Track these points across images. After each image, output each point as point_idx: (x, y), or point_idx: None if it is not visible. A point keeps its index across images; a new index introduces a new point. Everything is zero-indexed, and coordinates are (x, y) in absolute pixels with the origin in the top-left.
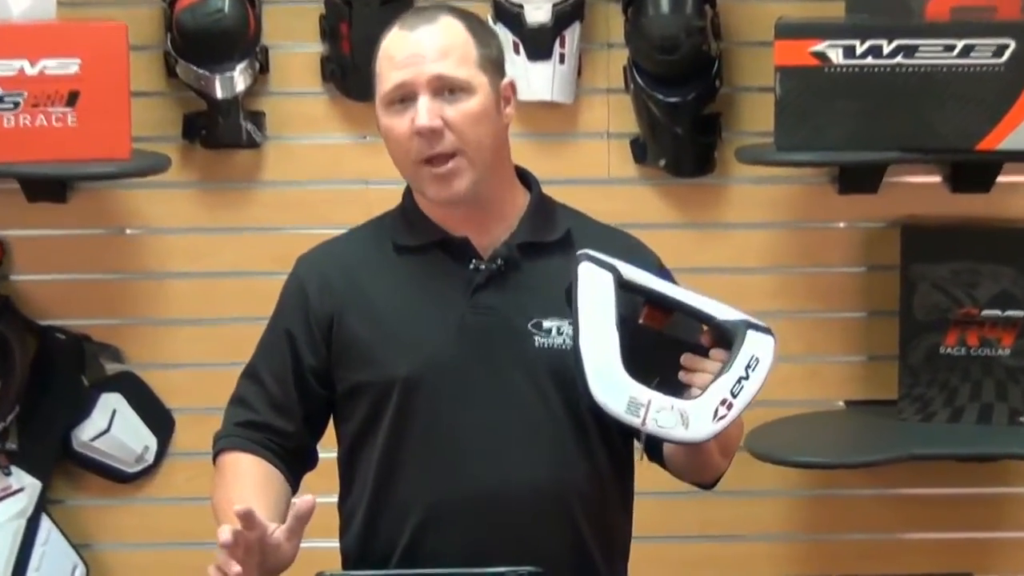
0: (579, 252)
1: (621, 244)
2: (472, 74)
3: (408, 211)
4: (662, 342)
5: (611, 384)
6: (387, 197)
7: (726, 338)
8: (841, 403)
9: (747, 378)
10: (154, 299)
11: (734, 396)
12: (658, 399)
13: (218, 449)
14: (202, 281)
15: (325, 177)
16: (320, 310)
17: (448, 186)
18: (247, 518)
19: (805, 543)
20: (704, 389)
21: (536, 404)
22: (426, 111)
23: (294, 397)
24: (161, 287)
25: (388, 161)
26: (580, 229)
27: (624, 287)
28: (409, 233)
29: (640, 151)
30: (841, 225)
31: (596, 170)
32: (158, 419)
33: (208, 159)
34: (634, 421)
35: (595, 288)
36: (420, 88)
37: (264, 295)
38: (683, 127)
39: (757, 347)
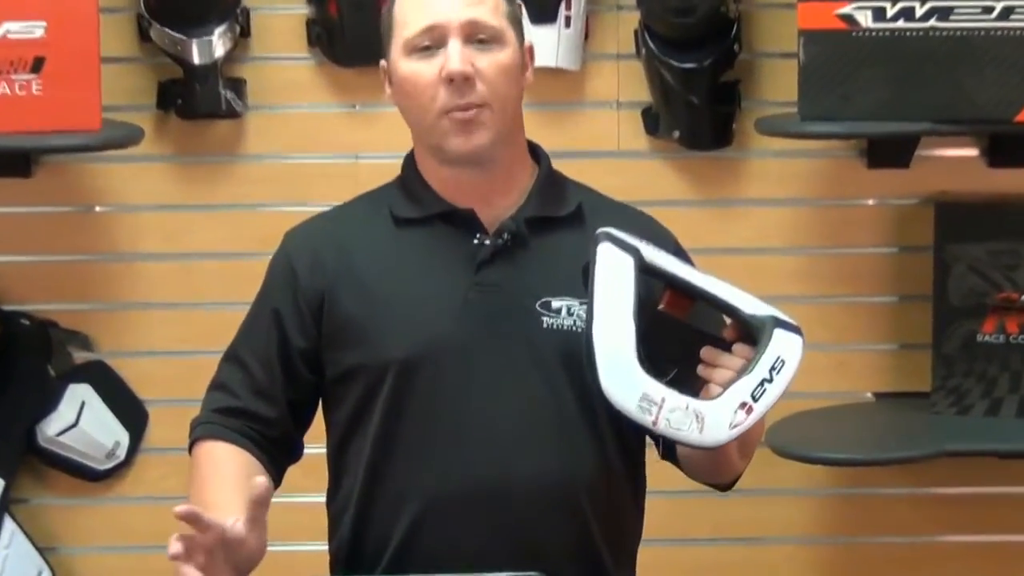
0: (599, 231)
1: (635, 222)
2: (504, 25)
3: (409, 181)
4: (682, 331)
5: (624, 378)
6: (379, 172)
7: (751, 334)
8: (870, 395)
9: (771, 381)
10: (126, 282)
11: (755, 400)
12: (672, 397)
13: (195, 438)
14: (178, 263)
15: (311, 150)
16: (310, 288)
17: (471, 137)
18: (193, 520)
19: (830, 547)
20: (723, 387)
21: (543, 390)
22: (459, 56)
23: (279, 382)
24: (134, 269)
25: (379, 133)
26: (591, 205)
27: (645, 271)
28: (410, 204)
29: (652, 122)
30: (870, 202)
31: (605, 142)
32: (130, 412)
33: (184, 130)
34: (645, 420)
35: (614, 273)
36: (452, 32)
37: (246, 277)
38: (699, 96)
39: (784, 347)
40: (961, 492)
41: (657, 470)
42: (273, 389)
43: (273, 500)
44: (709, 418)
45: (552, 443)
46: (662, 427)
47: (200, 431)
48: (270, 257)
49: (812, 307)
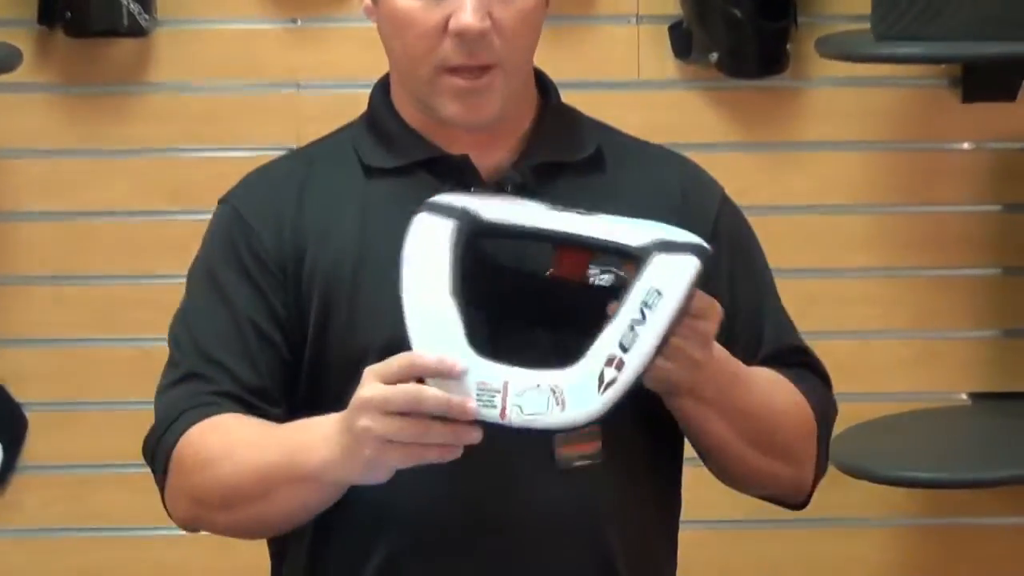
0: (425, 201)
1: (669, 168)
2: None
3: (381, 119)
4: (584, 294)
5: None
6: (326, 105)
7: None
8: (964, 396)
9: (643, 321)
10: (0, 249)
11: (625, 350)
12: (518, 378)
13: (174, 438)
14: (68, 224)
15: (240, 77)
16: (276, 249)
17: (478, 107)
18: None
19: None
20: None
21: None
22: (476, 7)
23: (274, 380)
24: (8, 233)
25: (327, 55)
26: (613, 146)
27: (487, 233)
28: (384, 149)
29: (683, 42)
30: (965, 146)
31: (622, 68)
32: (4, 419)
33: (75, 52)
34: (491, 415)
35: (423, 245)
36: None
37: (157, 242)
38: (743, 7)
39: (661, 275)
40: None
41: (695, 494)
42: (271, 387)
43: (202, 533)
44: (569, 389)
45: None
46: (514, 418)
47: (183, 421)
48: (187, 217)
49: (889, 282)
